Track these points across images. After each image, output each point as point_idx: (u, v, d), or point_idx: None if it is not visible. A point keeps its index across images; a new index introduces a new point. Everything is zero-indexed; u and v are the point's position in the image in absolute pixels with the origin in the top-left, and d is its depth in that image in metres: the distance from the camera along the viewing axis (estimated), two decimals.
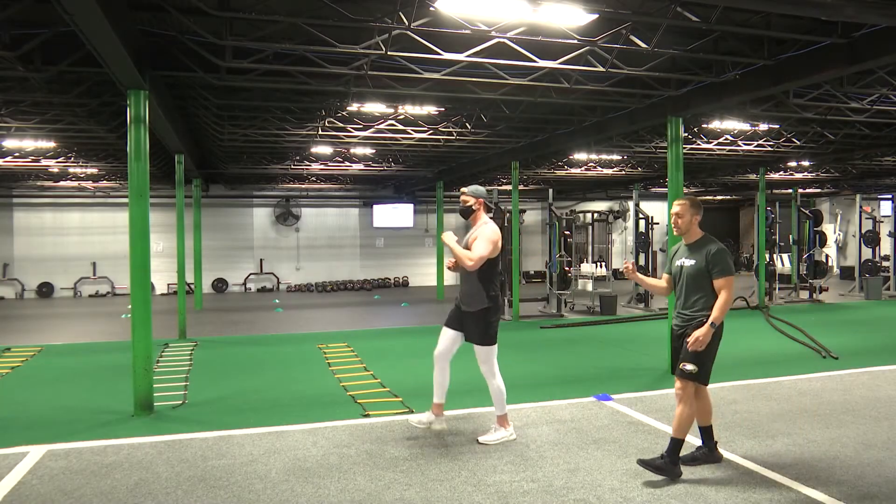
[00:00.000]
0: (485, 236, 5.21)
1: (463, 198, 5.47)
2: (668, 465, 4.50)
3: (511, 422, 5.49)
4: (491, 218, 5.52)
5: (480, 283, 5.24)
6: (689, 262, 4.68)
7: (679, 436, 4.52)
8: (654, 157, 15.37)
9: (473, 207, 5.44)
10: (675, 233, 4.84)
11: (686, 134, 12.14)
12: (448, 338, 5.45)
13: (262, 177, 19.60)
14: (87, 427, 5.97)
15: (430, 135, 12.04)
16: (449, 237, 5.35)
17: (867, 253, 19.84)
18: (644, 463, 4.56)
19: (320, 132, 11.65)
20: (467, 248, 5.28)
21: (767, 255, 16.12)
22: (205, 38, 6.18)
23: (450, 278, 22.76)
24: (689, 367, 4.49)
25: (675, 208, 4.78)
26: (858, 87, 8.52)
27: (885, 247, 19.80)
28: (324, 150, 14.01)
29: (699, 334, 4.43)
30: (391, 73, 7.48)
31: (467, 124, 11.37)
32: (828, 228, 22.21)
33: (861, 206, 20.07)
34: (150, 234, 6.80)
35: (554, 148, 12.58)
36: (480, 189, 5.49)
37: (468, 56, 6.82)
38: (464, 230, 5.79)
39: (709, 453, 4.81)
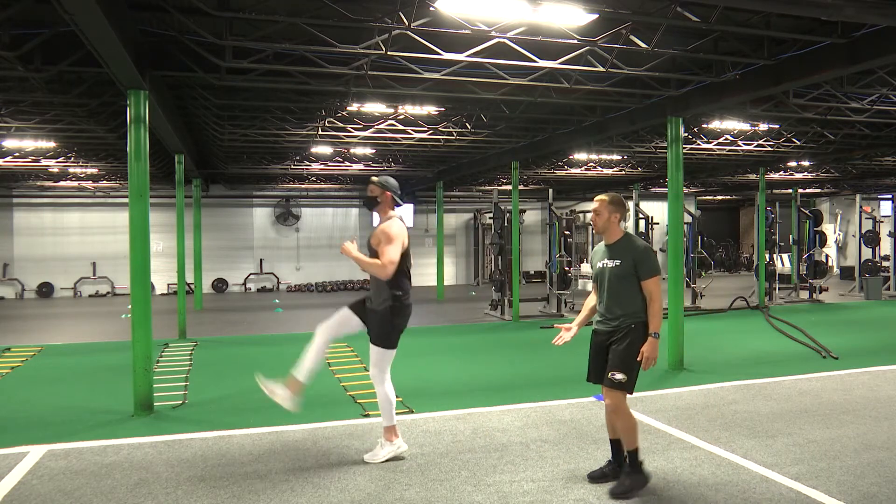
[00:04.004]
0: (392, 238, 4.76)
1: (371, 187, 5.01)
2: (634, 478, 4.28)
3: (400, 433, 5.06)
4: (397, 216, 5.03)
5: (386, 282, 4.82)
6: (612, 264, 4.35)
7: (632, 447, 4.31)
8: (654, 157, 15.37)
9: (379, 199, 4.98)
10: (594, 231, 4.62)
11: (686, 134, 12.14)
12: (344, 316, 4.95)
13: (262, 177, 19.60)
14: (87, 427, 5.97)
15: (430, 135, 12.04)
16: (350, 248, 4.81)
17: (867, 253, 19.83)
18: (616, 495, 4.25)
19: (320, 132, 11.65)
20: (371, 250, 4.87)
21: (767, 255, 16.11)
22: (205, 38, 6.18)
23: (450, 278, 22.83)
24: (619, 376, 4.19)
25: (594, 205, 4.47)
26: (858, 87, 8.52)
27: (885, 247, 19.80)
28: (324, 150, 14.01)
29: (647, 352, 4.16)
30: (391, 73, 7.48)
31: (467, 124, 11.37)
32: (828, 228, 22.20)
33: (861, 206, 20.07)
34: (150, 234, 6.80)
35: (554, 148, 12.58)
36: (392, 182, 5.04)
37: (468, 56, 6.82)
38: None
39: (618, 468, 4.46)
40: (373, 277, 4.88)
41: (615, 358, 4.23)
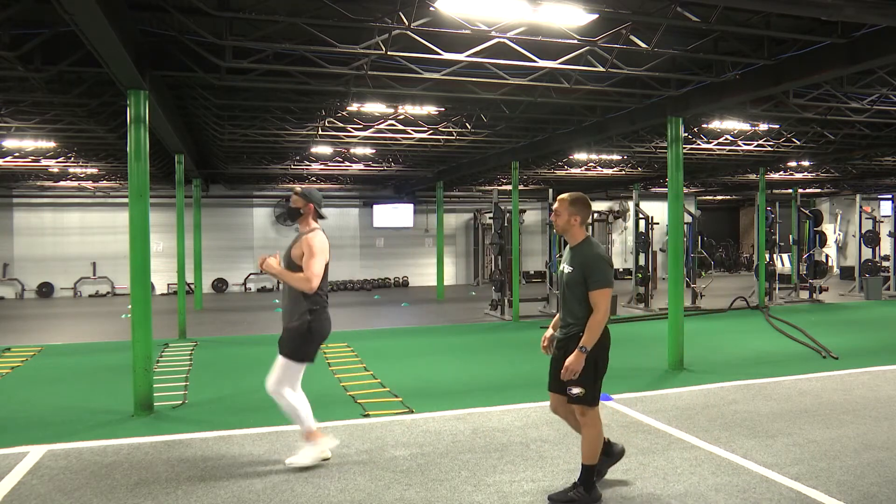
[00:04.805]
0: (315, 251, 4.68)
1: (293, 198, 4.92)
2: (583, 497, 4.08)
3: (321, 434, 4.89)
4: (321, 229, 4.95)
5: (302, 295, 4.70)
6: (567, 269, 4.14)
7: (590, 461, 4.10)
8: (654, 157, 15.37)
9: (302, 211, 4.90)
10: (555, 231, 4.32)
11: (686, 134, 12.14)
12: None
13: (262, 177, 19.60)
14: (87, 427, 5.97)
15: (430, 135, 12.04)
16: (272, 263, 4.72)
17: (867, 253, 19.83)
18: (555, 500, 4.11)
19: (320, 132, 11.65)
20: (290, 262, 4.78)
21: (767, 255, 16.12)
22: (205, 38, 6.17)
23: (450, 278, 22.82)
24: (576, 390, 3.97)
25: (555, 205, 4.24)
26: (858, 87, 8.52)
27: (885, 247, 19.80)
28: (324, 150, 14.01)
29: (569, 363, 3.92)
30: (391, 73, 7.48)
31: (467, 124, 11.37)
32: (828, 228, 22.21)
33: (861, 206, 20.07)
34: (150, 234, 6.80)
35: (554, 148, 12.58)
36: (315, 194, 4.96)
37: (468, 56, 6.82)
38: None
39: (605, 458, 4.36)
40: (287, 292, 4.79)
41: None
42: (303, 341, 4.72)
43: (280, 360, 4.73)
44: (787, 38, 6.68)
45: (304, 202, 4.91)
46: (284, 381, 4.73)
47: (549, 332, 4.40)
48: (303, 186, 5.06)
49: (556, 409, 4.36)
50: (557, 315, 4.36)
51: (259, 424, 5.93)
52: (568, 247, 4.28)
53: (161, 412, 6.45)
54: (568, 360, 3.94)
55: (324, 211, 5.11)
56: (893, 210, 19.56)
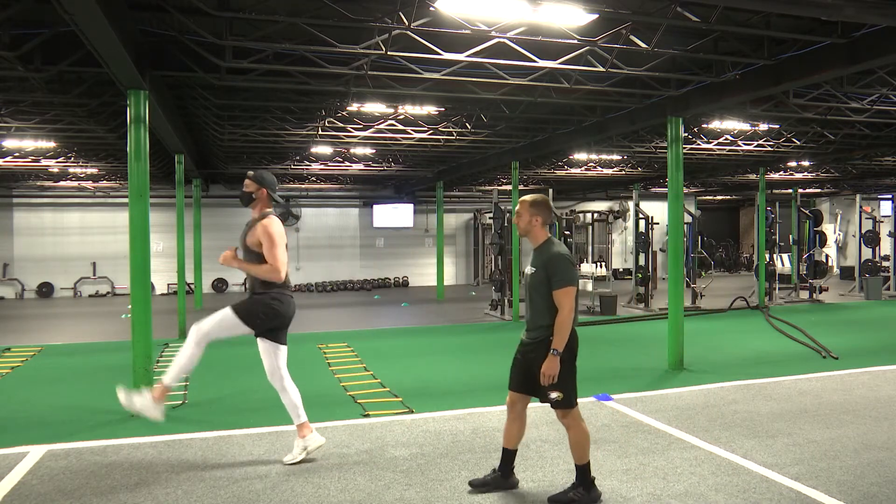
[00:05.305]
0: (275, 239, 4.62)
1: (246, 182, 4.82)
2: (583, 497, 4.11)
3: (310, 429, 4.90)
4: (275, 214, 4.87)
5: (257, 281, 4.70)
6: (531, 270, 4.13)
7: (582, 461, 4.11)
8: (654, 157, 15.37)
9: (254, 195, 4.80)
10: (518, 233, 4.32)
11: (686, 134, 12.14)
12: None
13: None
14: (87, 427, 5.98)
15: (430, 135, 12.04)
16: (230, 258, 4.71)
17: (867, 253, 19.84)
18: (555, 502, 4.12)
19: (320, 132, 11.65)
20: (249, 250, 4.74)
21: (767, 255, 16.12)
22: (205, 38, 6.18)
23: (450, 278, 22.81)
24: (554, 395, 3.99)
25: (516, 207, 4.26)
26: (858, 87, 8.52)
27: (885, 247, 19.80)
28: (324, 150, 14.01)
29: (545, 369, 3.93)
30: (391, 73, 7.48)
31: (467, 124, 11.37)
32: (828, 228, 22.20)
33: (861, 206, 20.07)
34: (150, 234, 6.80)
35: (554, 148, 12.58)
36: (268, 177, 4.85)
37: (468, 56, 6.82)
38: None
39: (502, 479, 4.34)
40: (250, 276, 4.77)
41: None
42: (263, 310, 4.65)
43: (226, 310, 4.66)
44: (787, 38, 6.68)
45: (257, 186, 4.80)
46: (213, 331, 4.68)
47: None
48: (256, 170, 4.95)
49: (514, 404, 4.31)
50: None
51: (259, 424, 5.94)
52: (533, 249, 4.28)
53: None
54: (543, 367, 3.96)
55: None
56: (893, 210, 19.56)
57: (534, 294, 4.11)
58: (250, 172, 4.87)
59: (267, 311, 4.70)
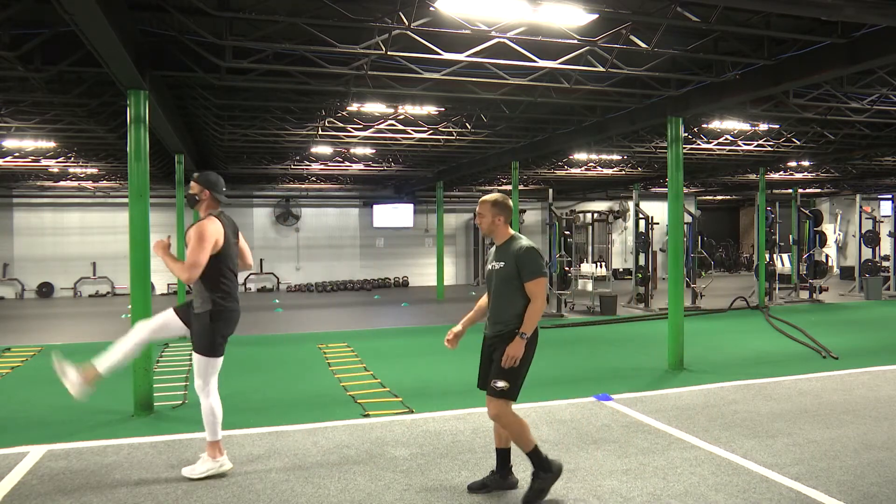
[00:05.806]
0: (204, 238, 4.47)
1: (191, 184, 4.72)
2: (545, 478, 4.14)
3: (225, 450, 4.75)
4: (218, 215, 4.73)
5: (202, 283, 4.52)
6: (498, 265, 4.18)
7: (528, 448, 4.11)
8: (654, 157, 15.37)
9: (198, 197, 4.69)
10: (481, 233, 4.37)
11: (686, 134, 12.14)
12: (167, 318, 4.68)
13: (262, 177, 19.59)
14: (87, 427, 5.98)
15: (430, 135, 12.04)
16: (160, 247, 4.57)
17: (867, 253, 19.84)
18: (529, 501, 4.12)
19: (320, 132, 11.65)
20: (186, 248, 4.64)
21: (767, 255, 16.12)
22: (205, 38, 6.18)
23: (450, 278, 22.81)
24: (501, 384, 4.01)
25: (478, 207, 4.30)
26: (858, 87, 8.52)
27: (885, 247, 19.80)
28: (324, 150, 14.01)
29: (510, 350, 3.97)
30: (391, 73, 7.48)
31: (467, 124, 11.37)
32: (828, 228, 22.21)
33: (861, 206, 20.08)
34: (150, 234, 6.79)
35: (554, 148, 12.58)
36: (213, 179, 4.73)
37: (468, 56, 6.82)
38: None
39: (500, 480, 4.35)
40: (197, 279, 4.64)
41: (496, 365, 4.05)
42: (211, 334, 4.56)
43: (196, 358, 4.62)
44: (787, 38, 6.68)
45: (200, 188, 4.71)
46: (208, 379, 4.63)
47: (458, 327, 4.45)
48: (201, 172, 4.87)
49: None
50: (473, 311, 4.47)
51: (259, 424, 5.93)
52: (495, 246, 4.33)
53: (161, 412, 6.46)
54: (508, 349, 3.99)
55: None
56: (893, 210, 19.56)
57: (502, 288, 4.14)
58: (196, 174, 4.79)
59: (215, 335, 4.60)
